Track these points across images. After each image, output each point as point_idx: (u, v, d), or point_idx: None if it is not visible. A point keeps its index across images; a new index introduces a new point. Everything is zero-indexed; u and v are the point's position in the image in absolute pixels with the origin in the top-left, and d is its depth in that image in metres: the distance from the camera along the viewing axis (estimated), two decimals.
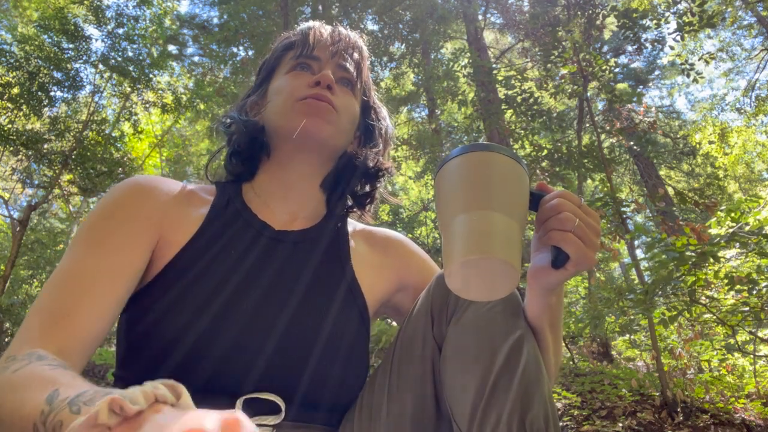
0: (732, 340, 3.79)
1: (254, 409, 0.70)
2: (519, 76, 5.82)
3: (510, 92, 5.57)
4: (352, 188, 0.95)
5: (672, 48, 6.57)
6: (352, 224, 0.97)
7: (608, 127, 5.15)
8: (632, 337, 5.38)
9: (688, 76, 5.70)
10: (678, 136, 11.23)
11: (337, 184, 0.92)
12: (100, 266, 0.71)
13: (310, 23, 0.93)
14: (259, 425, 0.69)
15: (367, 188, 0.96)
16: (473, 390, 0.63)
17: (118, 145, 7.83)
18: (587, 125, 6.17)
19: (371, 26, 9.08)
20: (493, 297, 0.58)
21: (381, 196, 1.00)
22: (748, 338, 3.87)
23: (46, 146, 6.98)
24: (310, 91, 0.83)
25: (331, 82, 0.84)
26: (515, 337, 0.66)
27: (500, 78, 5.96)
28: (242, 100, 0.95)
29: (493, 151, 0.59)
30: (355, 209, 0.98)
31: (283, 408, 0.70)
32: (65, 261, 0.72)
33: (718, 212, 3.05)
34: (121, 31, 7.82)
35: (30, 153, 6.92)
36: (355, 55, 0.91)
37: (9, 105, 6.72)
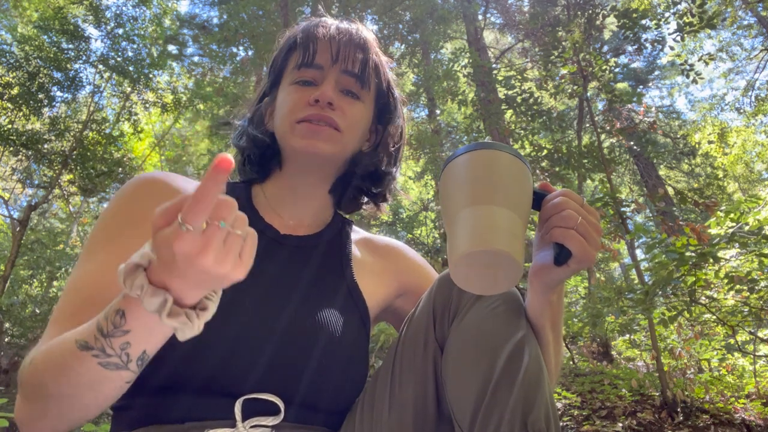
0: (732, 340, 3.79)
1: (253, 409, 0.70)
2: (519, 76, 5.81)
3: (510, 92, 5.57)
4: (361, 189, 0.94)
5: (672, 48, 6.56)
6: (356, 232, 0.98)
7: (608, 127, 5.14)
8: (632, 337, 5.38)
9: (688, 76, 5.70)
10: (678, 136, 11.23)
11: (346, 187, 0.92)
12: (116, 262, 0.70)
13: (313, 20, 0.88)
14: (258, 426, 0.69)
15: (377, 189, 0.95)
16: (475, 391, 0.64)
17: (119, 145, 7.83)
18: (587, 125, 6.17)
19: (371, 26, 9.09)
20: (496, 290, 0.58)
21: (392, 193, 0.99)
22: (748, 338, 3.87)
23: (46, 146, 6.98)
24: (308, 111, 0.81)
25: (330, 99, 0.80)
26: (517, 339, 0.67)
27: (500, 78, 5.96)
28: (256, 104, 0.93)
29: (499, 150, 0.61)
30: (368, 204, 0.97)
31: (282, 409, 0.71)
32: (81, 264, 0.72)
33: (718, 212, 3.05)
34: (120, 31, 7.82)
35: (30, 153, 6.92)
36: (361, 56, 0.85)
37: (9, 105, 6.72)
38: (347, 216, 0.99)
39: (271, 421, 0.70)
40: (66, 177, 7.50)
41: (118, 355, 0.55)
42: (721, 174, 10.75)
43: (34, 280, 7.67)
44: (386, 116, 0.93)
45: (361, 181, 0.91)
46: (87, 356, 0.55)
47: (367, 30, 0.90)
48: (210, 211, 0.46)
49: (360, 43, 0.86)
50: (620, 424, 2.96)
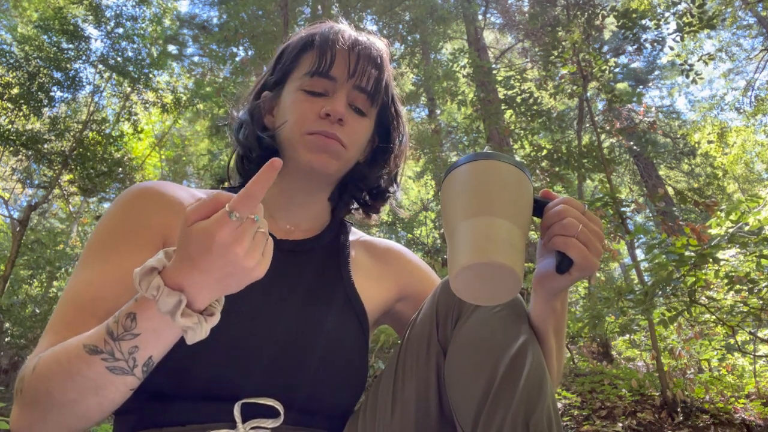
0: (732, 340, 3.79)
1: (253, 413, 0.70)
2: (519, 76, 5.82)
3: (510, 92, 5.56)
4: (358, 200, 0.94)
5: (672, 48, 6.57)
6: (355, 234, 0.98)
7: (608, 127, 5.15)
8: (632, 337, 5.38)
9: (688, 76, 5.71)
10: (678, 136, 11.23)
11: (344, 196, 0.92)
12: (113, 272, 0.71)
13: (333, 27, 0.87)
14: (258, 427, 0.70)
15: (374, 202, 0.95)
16: (478, 394, 0.64)
17: (118, 145, 7.82)
18: (587, 125, 6.16)
19: (371, 26, 9.08)
20: (496, 301, 0.59)
21: (388, 206, 0.99)
22: (748, 338, 3.87)
23: (46, 146, 6.98)
24: (318, 126, 0.80)
25: (342, 116, 0.80)
26: (520, 342, 0.67)
27: (500, 78, 5.96)
28: (255, 97, 0.91)
29: (497, 160, 0.61)
30: (359, 210, 0.97)
31: (281, 412, 0.71)
32: (77, 274, 0.73)
33: (718, 212, 3.05)
34: (120, 30, 7.82)
35: (30, 153, 6.92)
36: (375, 73, 0.85)
37: (9, 105, 6.72)
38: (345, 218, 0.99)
39: (271, 423, 0.70)
40: (66, 177, 7.50)
41: (126, 360, 0.56)
42: (721, 174, 10.73)
43: (34, 280, 7.67)
44: (391, 133, 0.93)
45: (361, 193, 0.92)
46: (95, 360, 0.56)
47: (382, 43, 0.90)
48: (258, 204, 0.50)
49: (377, 61, 0.85)
50: (620, 424, 2.96)
